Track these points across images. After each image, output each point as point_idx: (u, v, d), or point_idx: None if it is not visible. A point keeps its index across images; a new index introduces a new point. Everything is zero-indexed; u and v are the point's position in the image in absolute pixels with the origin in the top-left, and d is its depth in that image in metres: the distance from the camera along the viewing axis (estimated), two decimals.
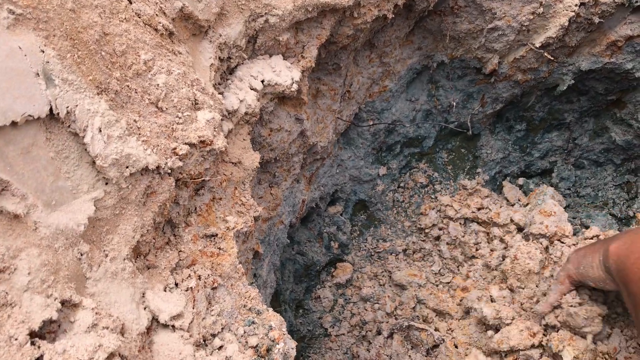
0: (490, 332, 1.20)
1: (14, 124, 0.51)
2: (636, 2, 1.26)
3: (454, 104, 1.48)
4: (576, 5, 1.26)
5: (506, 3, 1.26)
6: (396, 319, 1.36)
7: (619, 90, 1.51)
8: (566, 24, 1.27)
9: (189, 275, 0.74)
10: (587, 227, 1.47)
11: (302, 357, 1.32)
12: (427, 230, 1.55)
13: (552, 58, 1.33)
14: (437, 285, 1.38)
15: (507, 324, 1.18)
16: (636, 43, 1.36)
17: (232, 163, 0.90)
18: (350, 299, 1.45)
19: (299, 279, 1.40)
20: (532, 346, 1.14)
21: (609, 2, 1.27)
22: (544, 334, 1.13)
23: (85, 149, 0.59)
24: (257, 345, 0.73)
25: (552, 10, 1.27)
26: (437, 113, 1.55)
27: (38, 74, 0.53)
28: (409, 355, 1.29)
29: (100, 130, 0.59)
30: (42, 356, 0.48)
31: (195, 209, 0.81)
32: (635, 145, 1.59)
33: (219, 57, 0.88)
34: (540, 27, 1.30)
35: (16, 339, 0.47)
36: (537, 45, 1.31)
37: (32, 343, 0.48)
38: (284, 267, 1.33)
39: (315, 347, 1.36)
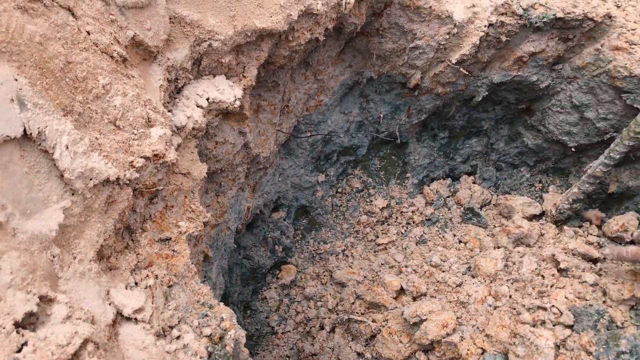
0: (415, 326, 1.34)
1: None
2: (536, 23, 1.44)
3: (382, 115, 1.62)
4: (485, 26, 1.42)
5: (425, 24, 1.41)
6: (337, 314, 1.47)
7: (527, 100, 1.70)
8: (477, 42, 1.43)
9: (147, 275, 0.82)
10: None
11: (250, 354, 1.40)
12: (364, 231, 1.68)
13: (467, 73, 1.50)
14: (373, 281, 1.51)
15: (425, 320, 1.32)
16: (539, 58, 1.54)
17: (182, 174, 0.99)
18: (294, 298, 1.55)
19: (246, 282, 1.49)
20: (447, 334, 1.28)
21: (514, 23, 1.45)
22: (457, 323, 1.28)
23: (54, 164, 0.67)
24: (210, 334, 0.82)
25: (465, 30, 1.43)
26: (368, 124, 1.69)
27: (13, 99, 0.62)
28: (350, 346, 1.40)
29: (67, 147, 0.68)
30: (26, 342, 0.56)
31: (150, 216, 0.89)
32: (544, 148, 1.78)
33: (168, 79, 0.97)
34: (456, 45, 1.46)
35: (4, 328, 0.55)
36: (454, 61, 1.47)
37: (17, 332, 0.56)
38: (231, 271, 1.42)
39: (263, 344, 1.46)
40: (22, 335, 0.56)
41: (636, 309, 1.31)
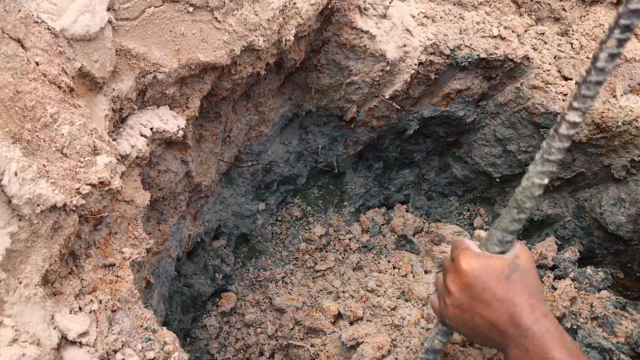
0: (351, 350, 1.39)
1: None
2: (462, 62, 1.56)
3: (319, 146, 1.69)
4: (416, 64, 1.53)
5: (360, 62, 1.50)
6: (277, 340, 1.50)
7: (456, 133, 1.82)
8: (409, 79, 1.54)
9: (91, 300, 0.84)
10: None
11: None
12: (303, 258, 1.73)
13: (400, 107, 1.60)
14: (312, 307, 1.55)
15: (361, 343, 1.37)
16: (465, 95, 1.66)
17: (125, 201, 1.01)
18: (234, 325, 1.57)
19: (186, 310, 1.50)
20: (382, 356, 1.34)
21: (442, 62, 1.57)
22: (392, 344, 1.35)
23: (2, 190, 0.69)
24: (154, 358, 0.84)
25: (397, 68, 1.53)
26: (307, 154, 1.76)
27: None
28: None
29: (16, 174, 0.70)
30: None
31: (95, 242, 0.91)
32: (471, 179, 1.91)
33: (113, 109, 1.00)
34: (389, 81, 1.56)
35: None
36: (387, 96, 1.57)
37: None
38: (172, 298, 1.42)
39: None
40: None
41: None
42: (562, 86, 1.61)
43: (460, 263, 0.89)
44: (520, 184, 0.90)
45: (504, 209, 0.95)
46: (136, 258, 0.95)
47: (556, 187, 1.78)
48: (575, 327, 1.34)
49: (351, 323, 1.48)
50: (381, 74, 1.52)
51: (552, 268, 1.71)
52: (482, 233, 0.96)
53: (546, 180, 0.86)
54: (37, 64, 0.80)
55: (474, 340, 0.94)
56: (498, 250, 0.91)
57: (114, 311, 0.86)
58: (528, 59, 1.60)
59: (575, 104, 0.80)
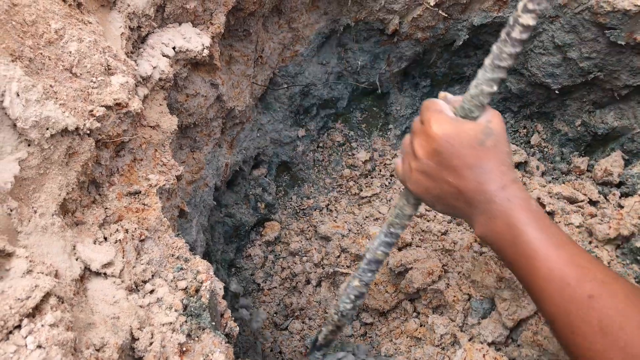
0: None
1: None
2: None
3: (360, 65, 1.57)
4: None
5: None
6: (323, 268, 1.46)
7: None
8: None
9: (117, 230, 0.79)
10: None
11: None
12: (347, 185, 1.66)
13: (447, 15, 1.45)
14: (358, 234, 1.49)
15: (410, 269, 1.30)
16: None
17: (150, 127, 0.95)
18: (279, 254, 1.53)
19: (229, 240, 1.47)
20: (433, 282, 1.27)
21: None
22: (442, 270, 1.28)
23: (5, 113, 0.63)
24: (186, 287, 0.80)
25: None
26: (348, 74, 1.65)
27: None
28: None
29: (18, 95, 0.64)
30: None
31: (118, 169, 0.86)
32: (528, 93, 1.75)
33: (129, 27, 0.92)
34: None
35: None
36: (432, 3, 1.42)
37: None
38: (213, 229, 1.39)
39: (252, 302, 1.45)
40: None
41: (622, 248, 1.31)
42: None
43: (432, 127, 0.80)
44: (467, 91, 0.80)
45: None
46: (164, 185, 0.89)
47: (623, 97, 1.61)
48: None
49: (399, 249, 1.41)
50: None
51: (619, 185, 1.58)
52: (449, 96, 0.85)
53: (495, 88, 0.78)
54: None
55: (436, 208, 0.87)
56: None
57: (142, 240, 0.82)
58: None
59: (530, 6, 0.71)
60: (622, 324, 0.62)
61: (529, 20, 0.73)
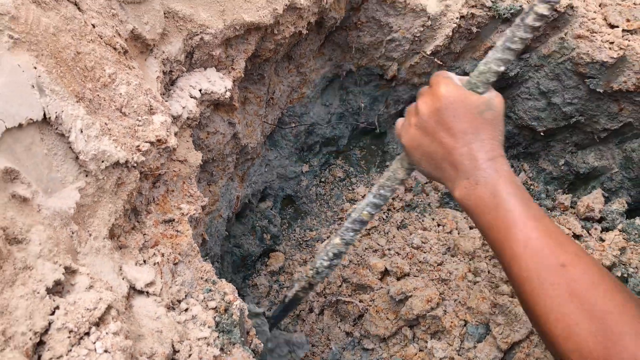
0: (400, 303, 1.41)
1: (20, 125, 0.64)
2: (504, 14, 1.53)
3: (363, 105, 1.69)
4: (457, 18, 1.51)
5: (400, 18, 1.49)
6: (325, 297, 1.53)
7: (498, 88, 1.77)
8: (450, 34, 1.52)
9: (154, 254, 0.88)
10: None
11: None
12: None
13: (442, 63, 1.58)
14: (358, 264, 1.58)
15: (410, 296, 1.39)
16: None
17: (179, 161, 1.04)
18: (283, 284, 1.61)
19: (236, 269, 1.54)
20: (432, 309, 1.36)
21: (484, 15, 1.53)
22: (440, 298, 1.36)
23: (70, 147, 0.72)
24: (216, 307, 0.88)
25: (438, 23, 1.51)
26: (349, 115, 1.76)
27: (33, 86, 0.66)
28: (339, 326, 1.47)
29: (82, 131, 0.73)
30: (58, 306, 0.61)
31: (154, 199, 0.94)
32: (515, 134, 1.88)
33: (163, 71, 1.03)
34: (430, 37, 1.54)
35: (38, 293, 0.60)
36: (428, 52, 1.55)
37: (49, 297, 0.61)
38: (223, 259, 1.47)
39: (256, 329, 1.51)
40: (54, 300, 0.61)
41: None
42: (609, 34, 1.56)
43: (440, 88, 0.88)
44: (476, 67, 0.89)
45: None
46: (193, 214, 0.98)
47: (602, 139, 1.74)
48: (625, 275, 1.33)
49: (398, 279, 1.50)
50: (422, 29, 1.50)
51: (600, 220, 1.69)
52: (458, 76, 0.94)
53: (502, 68, 0.86)
54: (94, 26, 0.82)
55: (421, 167, 0.93)
56: None
57: (175, 264, 0.90)
58: (572, 7, 1.56)
59: None
60: (589, 289, 0.67)
61: (543, 10, 0.80)
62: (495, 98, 0.88)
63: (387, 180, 1.04)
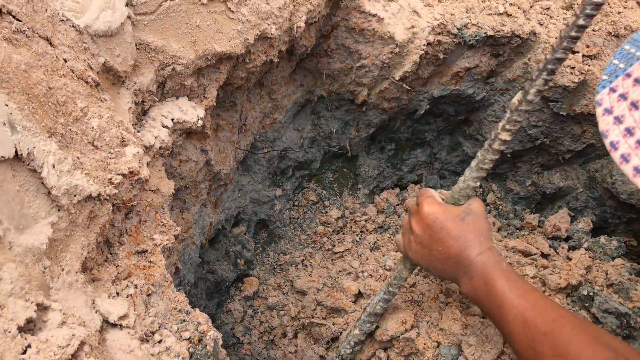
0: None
1: None
2: (469, 41, 1.58)
3: (334, 130, 1.72)
4: (424, 45, 1.55)
5: (369, 45, 1.52)
6: (299, 321, 1.54)
7: (466, 111, 1.84)
8: (418, 60, 1.56)
9: (127, 285, 0.88)
10: None
11: None
12: (321, 241, 1.76)
13: (410, 88, 1.62)
14: (332, 287, 1.59)
15: (384, 319, 1.41)
16: (474, 73, 1.68)
17: (152, 191, 1.05)
18: (258, 309, 1.61)
19: (210, 296, 1.54)
20: (406, 330, 1.38)
21: (450, 42, 1.58)
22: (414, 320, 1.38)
23: (42, 183, 0.72)
24: (190, 337, 0.88)
25: (406, 49, 1.55)
26: (320, 139, 1.79)
27: (5, 123, 0.67)
28: (312, 349, 1.47)
29: (54, 166, 0.73)
30: (30, 345, 0.61)
31: (126, 230, 0.95)
32: None
33: (135, 102, 1.03)
34: (398, 63, 1.58)
35: (9, 332, 0.60)
36: (397, 78, 1.59)
37: (21, 336, 0.61)
38: (196, 285, 1.46)
39: (232, 355, 1.51)
40: (25, 339, 0.61)
41: (572, 296, 1.45)
42: (570, 59, 1.62)
43: (424, 207, 1.06)
44: (457, 184, 1.09)
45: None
46: (166, 244, 0.98)
47: (567, 160, 1.80)
48: (591, 294, 1.37)
49: None
50: (390, 56, 1.54)
51: (566, 239, 1.74)
52: (443, 191, 1.16)
53: (478, 183, 1.06)
54: (65, 60, 0.83)
55: (430, 272, 1.11)
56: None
57: (149, 295, 0.90)
58: (535, 34, 1.62)
59: (507, 127, 1.00)
60: (567, 346, 0.80)
61: (506, 136, 1.00)
62: (473, 203, 1.06)
63: (394, 279, 1.25)
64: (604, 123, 0.63)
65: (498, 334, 1.30)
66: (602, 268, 1.53)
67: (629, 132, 0.59)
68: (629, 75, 0.62)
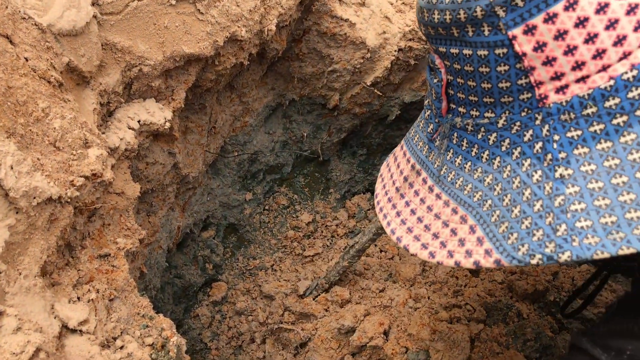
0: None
1: None
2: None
3: (305, 134, 1.71)
4: (395, 51, 1.56)
5: (341, 50, 1.53)
6: (267, 326, 1.53)
7: None
8: (389, 65, 1.57)
9: (89, 290, 0.86)
10: None
11: None
12: (291, 246, 1.75)
13: (381, 94, 1.63)
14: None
15: (353, 325, 1.41)
16: None
17: (116, 193, 1.03)
18: (226, 314, 1.59)
19: (177, 300, 1.52)
20: (374, 336, 1.38)
21: (421, 48, 1.60)
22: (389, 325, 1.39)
23: (0, 184, 0.70)
24: (152, 343, 0.87)
25: (377, 55, 1.56)
26: (292, 143, 1.78)
27: None
28: (280, 354, 1.46)
29: (12, 168, 0.71)
30: None
31: (89, 233, 0.92)
32: None
33: (100, 102, 1.01)
34: (370, 68, 1.59)
35: None
36: (368, 83, 1.60)
37: None
38: (163, 290, 1.44)
39: None
40: None
41: (539, 302, 1.47)
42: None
43: None
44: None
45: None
46: (130, 248, 0.97)
47: None
48: (557, 299, 1.39)
49: (341, 306, 1.51)
50: (362, 61, 1.55)
51: None
52: None
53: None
54: (27, 59, 0.81)
55: None
56: None
57: (111, 300, 0.88)
58: None
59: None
60: None
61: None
62: None
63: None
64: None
65: (465, 340, 1.31)
66: (568, 274, 1.56)
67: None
68: None
